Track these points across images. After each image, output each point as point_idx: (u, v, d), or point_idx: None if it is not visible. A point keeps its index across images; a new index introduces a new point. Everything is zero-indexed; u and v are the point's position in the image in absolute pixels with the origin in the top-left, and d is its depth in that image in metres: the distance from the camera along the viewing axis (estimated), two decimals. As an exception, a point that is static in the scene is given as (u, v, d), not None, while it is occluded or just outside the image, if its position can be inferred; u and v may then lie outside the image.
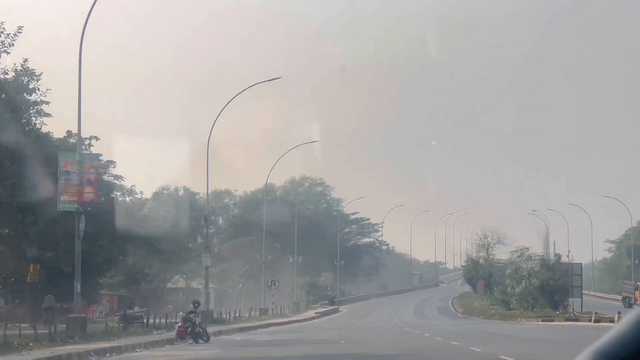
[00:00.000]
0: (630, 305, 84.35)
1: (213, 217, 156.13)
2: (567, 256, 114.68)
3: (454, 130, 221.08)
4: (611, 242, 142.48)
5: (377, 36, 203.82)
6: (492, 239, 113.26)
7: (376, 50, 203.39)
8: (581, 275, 67.84)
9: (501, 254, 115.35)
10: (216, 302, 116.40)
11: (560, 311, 64.60)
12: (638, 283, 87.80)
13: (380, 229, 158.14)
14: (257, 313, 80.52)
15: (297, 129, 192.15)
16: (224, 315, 65.70)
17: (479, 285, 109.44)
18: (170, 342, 38.38)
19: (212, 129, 60.17)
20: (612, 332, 1.78)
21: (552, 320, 58.62)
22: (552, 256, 76.23)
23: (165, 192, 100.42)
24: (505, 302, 76.97)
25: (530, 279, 70.27)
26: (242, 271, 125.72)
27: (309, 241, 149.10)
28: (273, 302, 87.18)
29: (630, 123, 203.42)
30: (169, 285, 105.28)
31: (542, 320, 58.81)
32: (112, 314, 66.27)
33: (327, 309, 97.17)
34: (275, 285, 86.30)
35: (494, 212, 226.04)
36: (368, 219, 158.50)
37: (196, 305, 40.45)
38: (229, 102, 59.95)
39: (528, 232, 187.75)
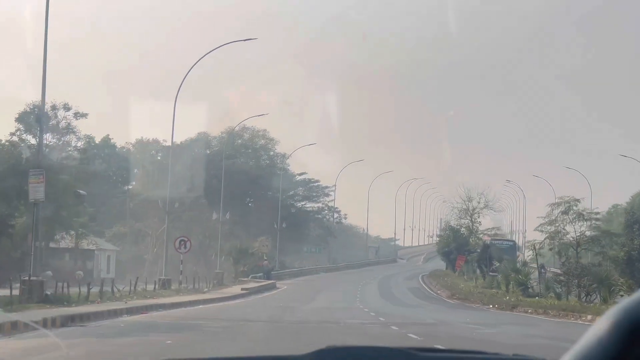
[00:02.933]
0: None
1: (135, 171, 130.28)
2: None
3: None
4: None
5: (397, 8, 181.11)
6: (479, 202, 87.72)
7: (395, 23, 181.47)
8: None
9: (488, 223, 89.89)
10: (118, 269, 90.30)
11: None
12: None
13: (332, 193, 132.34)
14: (156, 286, 54.48)
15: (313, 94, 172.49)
16: (92, 289, 39.34)
17: (459, 261, 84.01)
18: None
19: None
20: (587, 337, 1.62)
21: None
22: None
23: (35, 110, 71.79)
24: (522, 285, 51.36)
25: (579, 250, 44.92)
26: (158, 232, 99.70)
27: (245, 201, 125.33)
28: (182, 272, 61.20)
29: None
30: (52, 245, 78.49)
31: None
32: None
33: (260, 284, 71.46)
34: (185, 246, 60.17)
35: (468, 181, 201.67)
36: (317, 181, 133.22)
37: None
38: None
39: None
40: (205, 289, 62.27)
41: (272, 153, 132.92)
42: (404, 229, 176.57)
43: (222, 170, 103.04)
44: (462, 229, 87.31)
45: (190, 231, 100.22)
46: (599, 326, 1.62)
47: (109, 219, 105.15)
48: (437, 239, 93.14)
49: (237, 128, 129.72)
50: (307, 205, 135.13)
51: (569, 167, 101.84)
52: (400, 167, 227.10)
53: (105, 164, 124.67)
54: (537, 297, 48.91)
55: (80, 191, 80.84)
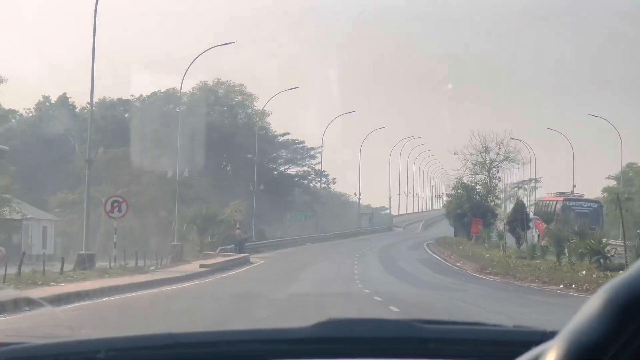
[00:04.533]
0: None
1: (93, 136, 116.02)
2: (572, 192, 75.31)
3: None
4: (612, 177, 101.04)
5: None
6: (497, 153, 71.76)
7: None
8: None
9: (508, 178, 74.23)
10: (63, 243, 75.07)
11: None
12: None
13: (318, 155, 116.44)
14: (63, 266, 37.99)
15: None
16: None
17: (475, 225, 68.42)
18: None
19: None
20: (582, 312, 1.57)
21: None
22: None
23: None
24: (598, 255, 35.31)
25: None
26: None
27: (222, 165, 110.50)
28: (116, 244, 45.10)
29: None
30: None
31: None
32: None
33: (228, 258, 55.60)
34: (119, 209, 44.12)
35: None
36: (302, 142, 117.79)
37: None
38: None
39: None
40: (152, 267, 46.32)
41: (250, 110, 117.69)
42: (399, 195, 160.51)
43: (190, 125, 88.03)
44: (478, 187, 71.54)
45: (153, 197, 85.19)
46: (593, 302, 1.53)
47: (65, 188, 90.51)
48: (447, 198, 77.65)
49: (201, 65, 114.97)
50: (292, 169, 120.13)
51: (594, 114, 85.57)
52: (394, 126, 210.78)
53: (61, 125, 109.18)
54: (620, 272, 33.37)
55: (1, 146, 65.14)
